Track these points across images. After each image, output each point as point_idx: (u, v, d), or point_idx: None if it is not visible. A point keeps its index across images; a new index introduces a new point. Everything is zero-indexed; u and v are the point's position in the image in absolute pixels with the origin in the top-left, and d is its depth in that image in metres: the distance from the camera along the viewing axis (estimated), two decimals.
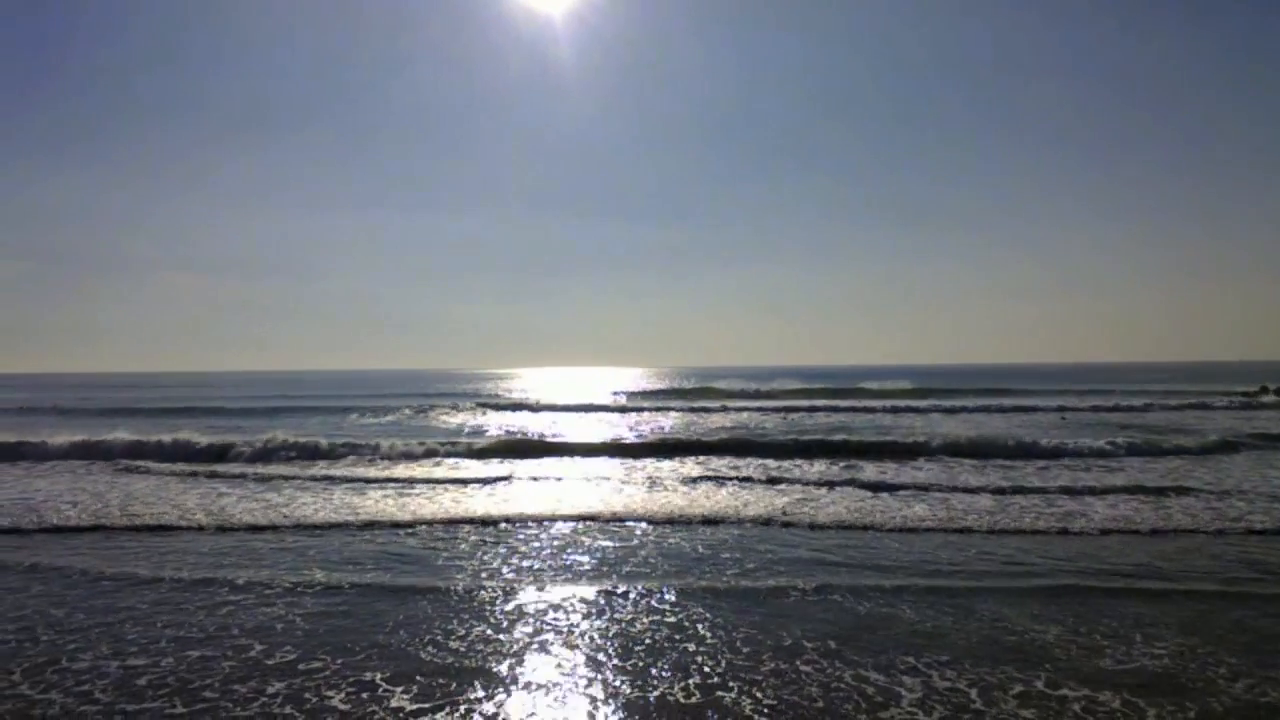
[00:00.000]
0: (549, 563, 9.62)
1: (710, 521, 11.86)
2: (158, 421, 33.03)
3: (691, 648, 6.71)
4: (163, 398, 56.73)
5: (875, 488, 14.21)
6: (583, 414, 36.11)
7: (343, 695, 5.86)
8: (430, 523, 12.03)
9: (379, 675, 6.21)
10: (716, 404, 40.79)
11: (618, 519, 11.97)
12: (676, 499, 13.39)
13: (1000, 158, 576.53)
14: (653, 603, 7.97)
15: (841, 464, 17.51)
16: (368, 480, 15.51)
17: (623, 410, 38.00)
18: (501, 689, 5.91)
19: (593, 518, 12.08)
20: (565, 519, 12.13)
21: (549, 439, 23.94)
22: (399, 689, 5.94)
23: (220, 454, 18.54)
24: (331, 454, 18.61)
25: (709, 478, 15.63)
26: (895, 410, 34.47)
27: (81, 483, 15.59)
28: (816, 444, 20.07)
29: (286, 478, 16.18)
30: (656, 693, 5.78)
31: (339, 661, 6.51)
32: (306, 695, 5.86)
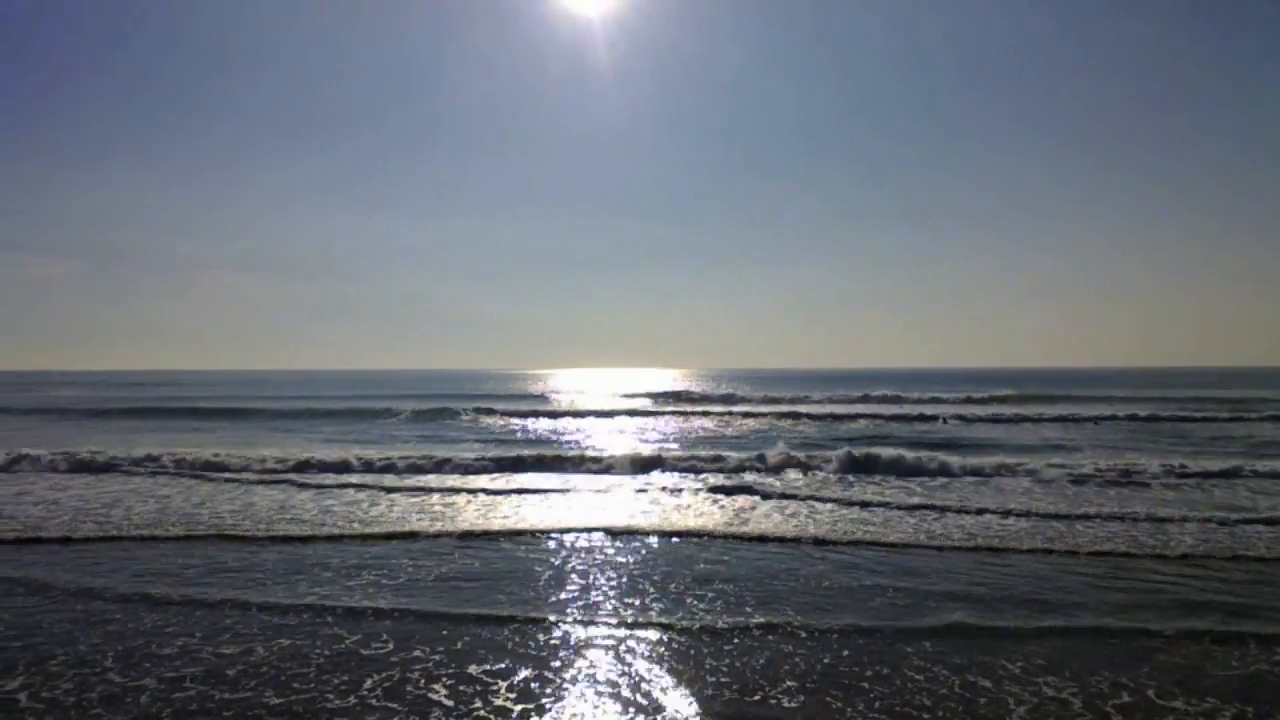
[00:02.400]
0: (599, 574, 9.17)
1: (761, 539, 11.03)
2: (212, 425, 33.60)
3: (788, 648, 6.48)
4: (212, 396, 57.64)
5: (944, 509, 12.73)
6: (613, 419, 35.77)
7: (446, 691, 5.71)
8: (490, 534, 11.49)
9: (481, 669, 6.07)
10: (760, 409, 39.98)
11: (662, 533, 11.13)
12: (717, 513, 12.75)
13: (1032, 157, 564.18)
14: (727, 619, 7.66)
15: (899, 480, 16.17)
16: (395, 489, 15.07)
17: (654, 414, 37.55)
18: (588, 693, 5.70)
19: (634, 531, 11.23)
20: (605, 531, 11.33)
21: (570, 447, 23.34)
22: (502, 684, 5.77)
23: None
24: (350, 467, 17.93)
25: (745, 490, 14.65)
26: (965, 420, 32.71)
27: (158, 490, 15.48)
28: (870, 458, 18.08)
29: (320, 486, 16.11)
30: (755, 697, 5.55)
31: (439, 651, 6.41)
32: (407, 688, 5.74)
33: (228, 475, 16.22)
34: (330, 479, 15.95)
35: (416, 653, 6.42)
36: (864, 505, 13.11)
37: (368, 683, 5.80)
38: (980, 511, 12.49)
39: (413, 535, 10.97)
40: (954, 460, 17.40)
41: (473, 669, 6.06)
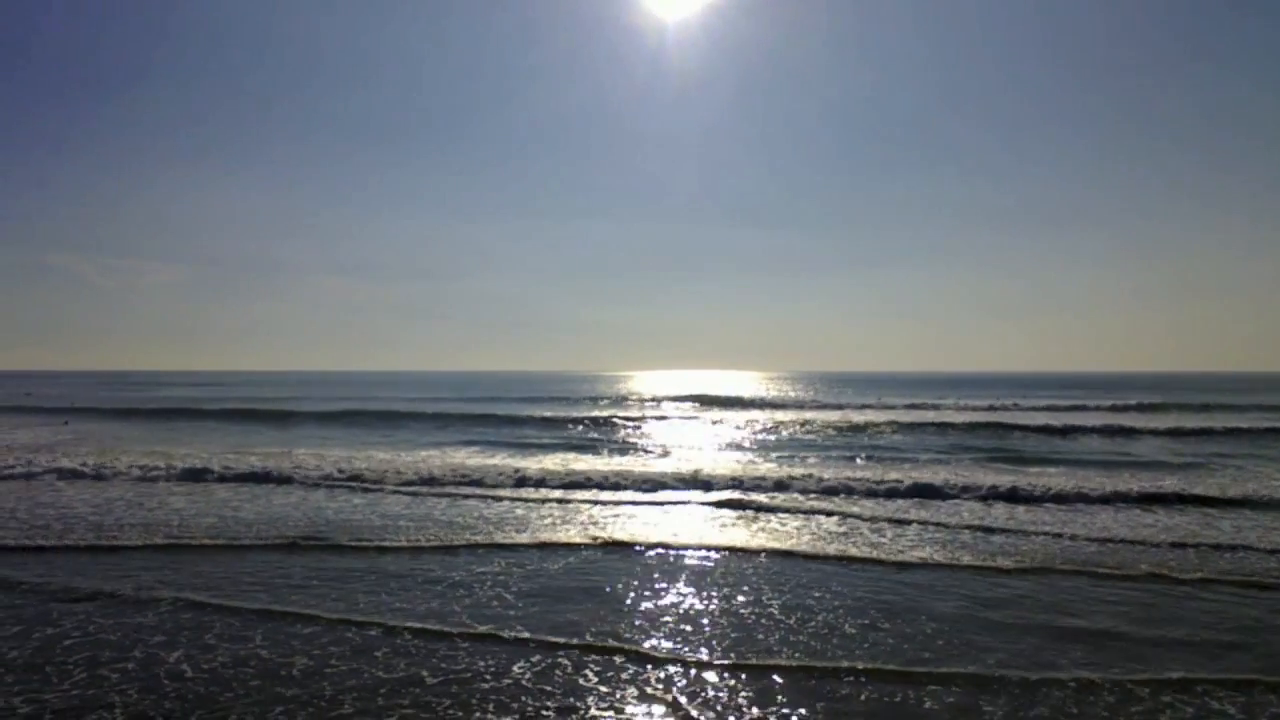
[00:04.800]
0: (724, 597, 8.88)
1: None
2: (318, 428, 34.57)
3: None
4: (322, 398, 59.86)
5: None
6: (717, 425, 35.02)
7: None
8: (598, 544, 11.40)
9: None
10: (881, 417, 38.05)
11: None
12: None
13: (1141, 157, 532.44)
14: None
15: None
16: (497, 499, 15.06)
17: (752, 422, 36.50)
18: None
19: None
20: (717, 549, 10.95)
21: (674, 457, 22.92)
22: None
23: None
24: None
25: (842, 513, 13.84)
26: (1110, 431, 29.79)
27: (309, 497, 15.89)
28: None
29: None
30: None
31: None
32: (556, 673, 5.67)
33: (362, 484, 15.99)
34: (451, 489, 15.85)
35: (557, 639, 6.35)
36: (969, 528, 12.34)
37: (517, 665, 5.74)
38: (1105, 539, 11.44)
39: (547, 544, 10.58)
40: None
41: (617, 659, 5.93)
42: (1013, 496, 14.57)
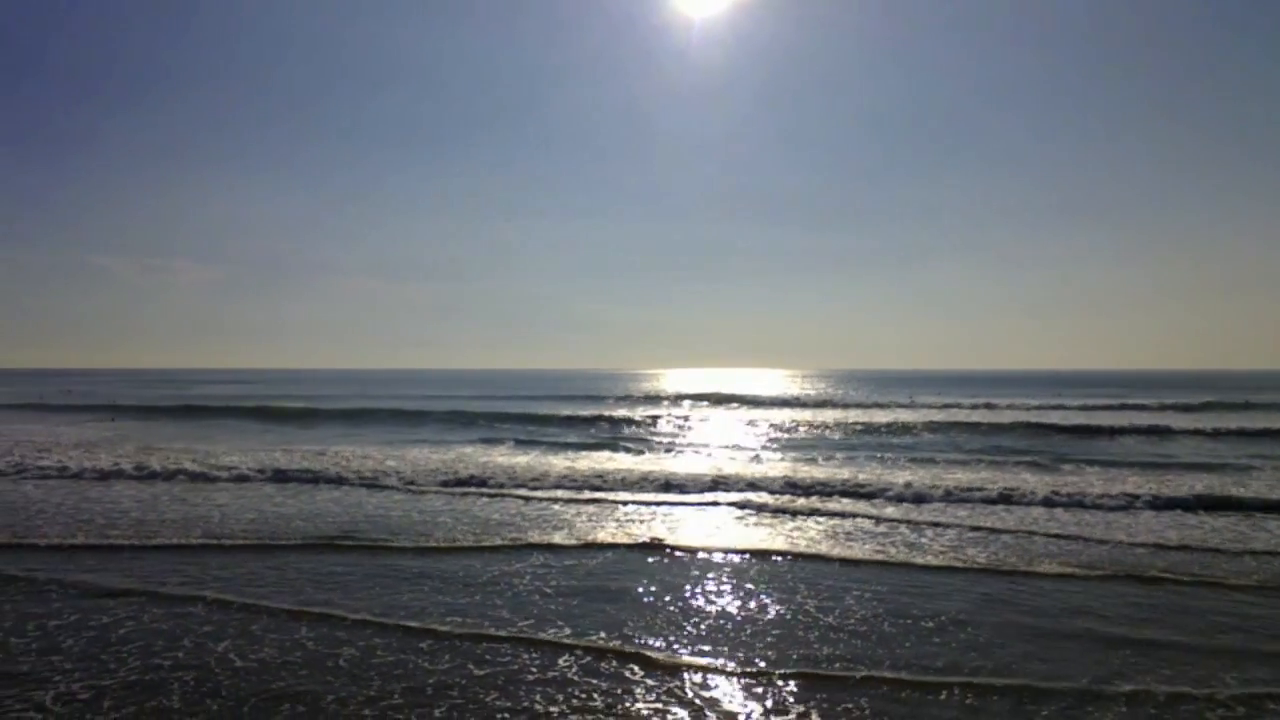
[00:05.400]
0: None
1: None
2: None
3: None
4: (338, 395, 60.44)
5: None
6: (760, 426, 34.81)
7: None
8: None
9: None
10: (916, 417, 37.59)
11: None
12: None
13: (1175, 151, 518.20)
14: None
15: None
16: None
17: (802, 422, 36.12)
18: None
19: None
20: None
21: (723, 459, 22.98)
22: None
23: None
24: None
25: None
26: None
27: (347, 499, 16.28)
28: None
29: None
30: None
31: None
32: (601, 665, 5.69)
33: (401, 482, 16.00)
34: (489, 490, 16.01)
35: (598, 636, 6.40)
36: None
37: (562, 659, 5.79)
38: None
39: (584, 544, 10.50)
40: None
41: (656, 658, 5.96)
42: (1052, 499, 14.20)
